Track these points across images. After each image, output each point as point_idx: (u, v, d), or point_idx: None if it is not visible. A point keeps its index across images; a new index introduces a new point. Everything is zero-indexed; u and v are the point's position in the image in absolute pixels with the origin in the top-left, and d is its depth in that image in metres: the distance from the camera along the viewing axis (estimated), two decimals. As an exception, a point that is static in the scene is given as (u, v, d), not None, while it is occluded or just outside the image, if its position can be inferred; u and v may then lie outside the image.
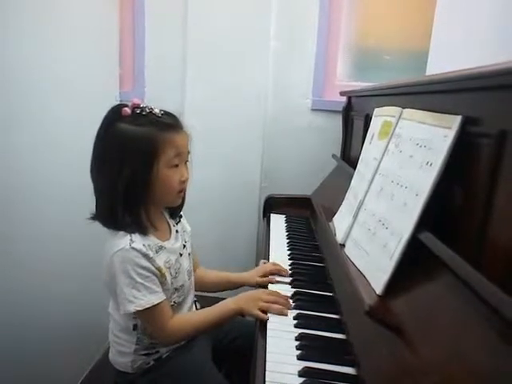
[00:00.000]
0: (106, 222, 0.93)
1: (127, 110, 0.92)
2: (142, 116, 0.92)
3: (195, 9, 1.91)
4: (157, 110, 0.94)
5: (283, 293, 1.03)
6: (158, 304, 0.91)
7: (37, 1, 1.32)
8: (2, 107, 1.21)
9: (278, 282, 1.11)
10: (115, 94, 1.84)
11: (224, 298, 1.03)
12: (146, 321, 0.94)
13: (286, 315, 0.93)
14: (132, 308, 0.89)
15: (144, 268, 0.90)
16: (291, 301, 0.99)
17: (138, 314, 0.91)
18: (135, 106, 0.93)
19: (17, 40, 1.24)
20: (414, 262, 0.70)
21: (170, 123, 0.93)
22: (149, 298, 0.90)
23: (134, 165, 0.89)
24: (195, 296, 1.13)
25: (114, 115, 0.92)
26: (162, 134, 0.90)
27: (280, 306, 0.93)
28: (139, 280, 0.89)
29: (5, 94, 1.21)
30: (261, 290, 1.02)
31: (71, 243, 1.48)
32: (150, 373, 0.99)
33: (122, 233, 0.91)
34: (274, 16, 1.91)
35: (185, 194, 1.02)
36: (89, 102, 1.55)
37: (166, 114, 0.95)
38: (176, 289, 1.00)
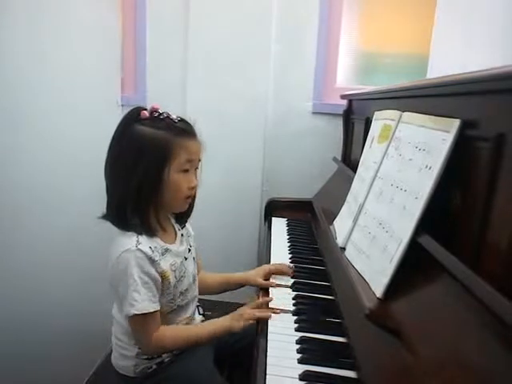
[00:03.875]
0: (116, 222, 0.95)
1: (146, 113, 0.95)
2: (160, 120, 0.95)
3: (197, 13, 1.92)
4: (174, 116, 0.96)
5: (285, 296, 1.04)
6: (152, 313, 0.91)
7: (39, 5, 1.33)
8: (2, 111, 1.21)
9: (279, 285, 1.11)
10: (117, 98, 1.85)
11: (224, 302, 1.03)
12: (135, 326, 0.94)
13: (269, 318, 0.94)
14: (132, 311, 0.89)
15: (146, 273, 0.91)
16: (293, 303, 1.00)
17: (133, 319, 0.91)
18: (154, 110, 0.96)
19: (17, 43, 1.25)
20: (414, 265, 0.70)
21: (185, 129, 0.95)
22: (146, 304, 0.90)
23: (146, 165, 0.91)
24: (198, 301, 1.13)
25: (133, 117, 0.95)
26: (176, 139, 0.93)
27: (263, 311, 0.97)
28: (140, 283, 0.90)
29: (5, 98, 1.22)
30: (244, 307, 1.03)
31: (72, 248, 1.48)
32: (153, 377, 0.99)
33: (129, 233, 0.92)
34: (275, 19, 1.92)
35: (194, 201, 1.04)
36: (90, 106, 1.56)
37: (182, 120, 0.98)
38: (181, 292, 1.01)
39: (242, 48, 1.91)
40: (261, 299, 1.05)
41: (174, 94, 1.99)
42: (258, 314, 0.96)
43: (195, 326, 1.06)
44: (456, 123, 0.67)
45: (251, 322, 0.96)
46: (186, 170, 0.95)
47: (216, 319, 1.01)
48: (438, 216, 0.70)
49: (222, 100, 1.95)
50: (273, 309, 0.97)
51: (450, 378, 0.52)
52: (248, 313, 0.97)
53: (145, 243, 0.92)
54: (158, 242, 0.95)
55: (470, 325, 0.54)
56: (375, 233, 0.86)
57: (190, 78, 1.97)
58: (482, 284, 0.52)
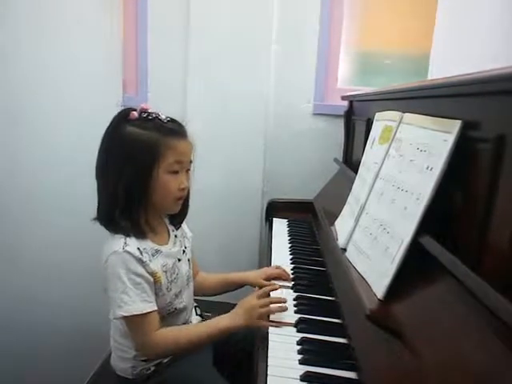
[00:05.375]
0: (105, 224, 0.94)
1: (135, 114, 0.94)
2: (148, 120, 0.94)
3: (197, 14, 1.92)
4: (163, 116, 0.95)
5: (286, 296, 1.03)
6: (146, 313, 0.89)
7: (40, 6, 1.33)
8: (3, 112, 1.21)
9: (280, 286, 1.11)
10: (118, 98, 1.84)
11: (224, 302, 1.02)
12: (131, 329, 0.93)
13: (286, 309, 0.94)
14: (119, 313, 0.88)
15: (136, 274, 0.89)
16: (294, 303, 1.00)
17: (125, 320, 0.90)
18: (143, 111, 0.95)
19: (18, 45, 1.25)
20: (415, 266, 0.70)
21: (173, 129, 0.94)
22: (138, 305, 0.88)
23: (135, 166, 0.90)
24: (196, 301, 1.12)
25: (122, 118, 0.94)
26: (164, 139, 0.91)
27: (277, 305, 0.95)
28: (130, 285, 0.88)
29: (6, 99, 1.22)
30: (251, 298, 0.98)
31: (72, 248, 1.48)
32: (151, 379, 0.98)
33: (118, 235, 0.91)
34: (276, 20, 1.92)
35: (187, 202, 1.03)
36: (91, 107, 1.56)
37: (172, 120, 0.96)
38: (176, 295, 0.99)
39: (243, 49, 1.91)
40: (264, 288, 1.02)
41: (175, 95, 1.99)
42: (276, 309, 0.94)
43: (195, 328, 1.02)
44: (457, 124, 0.67)
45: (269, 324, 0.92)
46: (176, 172, 0.93)
47: (220, 318, 0.97)
48: (439, 217, 0.70)
49: (222, 101, 1.95)
50: (278, 322, 0.93)
51: (450, 379, 0.52)
52: (265, 311, 0.93)
53: (132, 245, 0.90)
54: (147, 244, 0.94)
55: (470, 325, 0.54)
56: (376, 234, 0.86)
57: (191, 79, 1.97)
58: (483, 285, 0.52)
